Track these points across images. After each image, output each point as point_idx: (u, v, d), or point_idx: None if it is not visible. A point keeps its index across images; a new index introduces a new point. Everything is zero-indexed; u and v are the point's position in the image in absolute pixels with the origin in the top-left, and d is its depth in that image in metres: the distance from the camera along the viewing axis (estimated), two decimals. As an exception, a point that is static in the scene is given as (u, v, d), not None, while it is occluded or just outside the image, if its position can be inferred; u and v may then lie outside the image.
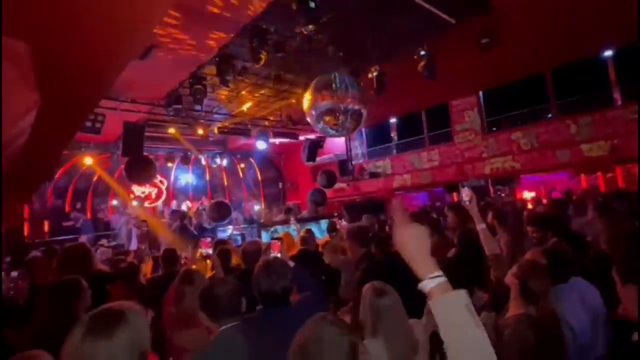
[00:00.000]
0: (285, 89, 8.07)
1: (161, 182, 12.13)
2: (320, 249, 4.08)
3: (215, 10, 4.64)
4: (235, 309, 1.61)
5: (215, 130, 9.31)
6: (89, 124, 6.47)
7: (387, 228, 5.62)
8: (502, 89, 9.23)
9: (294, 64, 6.96)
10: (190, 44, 5.40)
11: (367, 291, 1.94)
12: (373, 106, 7.21)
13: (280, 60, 6.53)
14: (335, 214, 7.91)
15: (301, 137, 10.70)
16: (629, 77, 7.77)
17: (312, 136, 10.43)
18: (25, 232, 8.14)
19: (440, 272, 0.95)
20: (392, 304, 1.90)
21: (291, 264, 2.23)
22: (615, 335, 1.93)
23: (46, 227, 8.69)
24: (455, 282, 2.35)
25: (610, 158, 7.60)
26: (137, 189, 11.57)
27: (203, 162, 12.20)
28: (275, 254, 2.17)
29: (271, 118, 9.87)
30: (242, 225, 7.88)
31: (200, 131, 9.13)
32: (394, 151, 11.93)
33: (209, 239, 2.45)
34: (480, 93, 9.71)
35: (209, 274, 2.94)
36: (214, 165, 12.24)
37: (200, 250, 2.47)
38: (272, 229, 6.14)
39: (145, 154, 7.39)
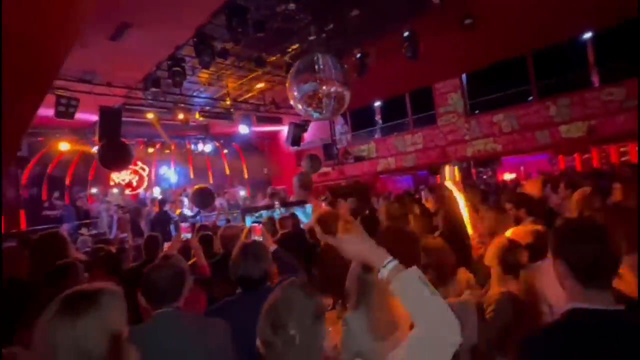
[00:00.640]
0: (268, 70, 7.90)
1: (142, 169, 11.85)
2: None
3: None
4: (173, 294, 1.56)
5: (197, 115, 9.08)
6: (61, 108, 6.19)
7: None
8: (485, 72, 9.28)
9: (276, 44, 6.79)
10: (166, 22, 5.17)
11: (355, 265, 1.96)
12: (357, 89, 7.15)
13: (261, 41, 6.35)
14: (322, 197, 7.91)
15: (285, 122, 10.58)
16: (607, 60, 7.92)
17: (296, 120, 10.31)
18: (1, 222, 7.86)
19: (390, 257, 1.04)
20: (378, 279, 1.92)
21: (272, 247, 2.21)
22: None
23: (22, 218, 8.39)
24: (435, 260, 2.38)
25: (588, 139, 7.80)
26: (117, 177, 11.27)
27: (185, 147, 11.94)
28: (257, 237, 2.14)
29: (254, 102, 9.69)
30: (226, 211, 7.79)
31: (180, 116, 8.87)
32: (379, 134, 11.94)
33: (187, 224, 2.40)
34: (464, 76, 9.74)
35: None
36: (197, 151, 12.01)
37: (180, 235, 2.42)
38: (256, 214, 6.10)
39: (122, 140, 7.13)
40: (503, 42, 7.64)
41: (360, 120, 12.34)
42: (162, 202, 6.43)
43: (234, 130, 10.67)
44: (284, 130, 11.31)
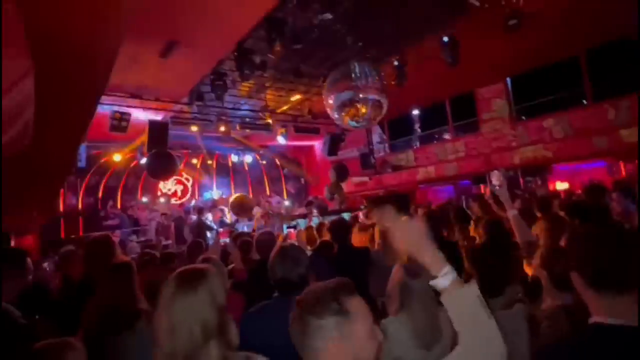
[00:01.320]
0: (305, 82, 8.02)
1: (186, 179, 12.44)
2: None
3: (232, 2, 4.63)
4: None
5: (238, 127, 9.40)
6: (115, 122, 6.68)
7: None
8: (532, 75, 8.78)
9: (313, 56, 6.89)
10: (210, 39, 5.43)
11: (398, 270, 1.89)
12: (394, 96, 7.04)
13: (299, 53, 6.48)
14: (362, 207, 7.79)
15: (322, 133, 10.64)
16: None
17: (333, 130, 10.34)
18: (62, 227, 8.56)
19: (449, 267, 0.97)
20: (423, 287, 1.83)
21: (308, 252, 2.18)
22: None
23: (80, 225, 9.08)
24: (482, 272, 2.23)
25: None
26: (164, 187, 11.92)
27: (227, 158, 12.40)
28: (293, 241, 2.13)
29: (291, 113, 9.86)
30: (263, 220, 7.93)
31: (222, 128, 9.23)
32: (417, 143, 11.65)
33: (226, 229, 2.44)
34: (508, 79, 9.28)
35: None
36: (237, 162, 12.43)
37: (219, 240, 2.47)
38: (293, 223, 6.13)
39: (168, 151, 7.55)
40: (552, 42, 7.19)
41: (398, 128, 12.14)
42: (201, 211, 6.68)
43: (272, 141, 10.91)
44: (321, 140, 11.39)
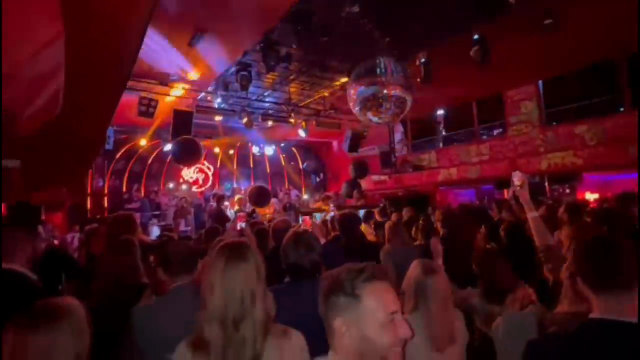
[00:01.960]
0: (330, 76, 7.99)
1: (208, 168, 12.69)
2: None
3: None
4: (187, 267, 1.77)
5: (260, 119, 9.50)
6: (143, 108, 6.88)
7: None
8: (566, 78, 8.42)
9: (339, 50, 6.84)
10: (237, 29, 5.49)
11: (415, 266, 1.85)
12: (419, 96, 6.90)
13: (325, 46, 6.46)
14: (381, 204, 7.72)
15: (344, 129, 10.60)
16: None
17: (355, 127, 10.28)
18: (89, 207, 8.93)
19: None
20: (439, 285, 1.80)
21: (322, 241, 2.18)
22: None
23: (106, 205, 9.43)
24: (498, 274, 2.18)
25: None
26: (186, 174, 12.21)
27: (248, 150, 12.56)
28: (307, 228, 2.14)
29: (314, 107, 9.86)
30: (280, 212, 8.00)
31: (244, 119, 9.34)
32: (441, 144, 11.42)
33: (245, 213, 2.48)
34: (540, 82, 8.94)
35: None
36: (258, 153, 12.55)
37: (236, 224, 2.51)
38: (310, 216, 6.13)
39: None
40: (590, 44, 6.87)
41: (421, 128, 11.92)
42: (220, 198, 6.83)
43: (294, 134, 10.96)
44: (341, 138, 11.34)
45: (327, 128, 10.35)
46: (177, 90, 7.31)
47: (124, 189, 10.56)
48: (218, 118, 9.45)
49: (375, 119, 5.93)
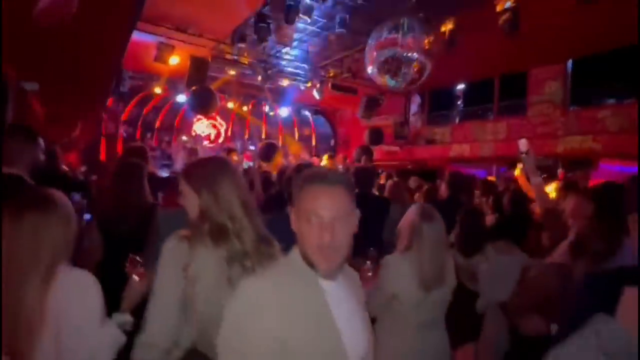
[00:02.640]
0: (350, 37, 7.73)
1: (220, 124, 12.71)
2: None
3: None
4: None
5: (275, 76, 9.35)
6: (159, 53, 6.83)
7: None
8: (599, 59, 7.99)
9: (362, 9, 6.58)
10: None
11: (413, 210, 1.92)
12: (441, 67, 6.65)
13: (348, 4, 6.23)
14: (380, 171, 7.72)
15: (360, 94, 10.39)
16: None
17: (372, 93, 10.07)
18: (102, 149, 9.13)
19: None
20: (434, 230, 1.87)
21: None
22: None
23: (119, 149, 9.61)
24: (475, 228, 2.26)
25: None
26: (198, 128, 12.27)
27: (261, 108, 12.49)
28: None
29: (331, 69, 9.63)
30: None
31: (259, 77, 9.20)
32: (457, 119, 11.17)
33: (251, 152, 2.52)
34: (569, 62, 8.54)
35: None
36: (271, 113, 12.49)
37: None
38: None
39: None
40: (625, 24, 6.45)
41: (439, 101, 11.63)
42: (230, 151, 6.92)
43: (308, 96, 10.81)
44: (355, 103, 11.15)
45: (342, 92, 10.16)
46: (194, 38, 7.19)
47: (138, 136, 10.70)
48: (232, 72, 9.33)
49: (392, 83, 5.79)
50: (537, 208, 2.42)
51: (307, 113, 13.36)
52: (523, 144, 2.38)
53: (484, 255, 2.24)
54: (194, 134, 12.17)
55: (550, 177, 5.54)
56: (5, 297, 1.14)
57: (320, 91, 9.61)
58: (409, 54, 5.36)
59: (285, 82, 9.91)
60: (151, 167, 3.00)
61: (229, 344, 0.94)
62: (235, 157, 6.12)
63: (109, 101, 8.48)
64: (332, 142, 13.78)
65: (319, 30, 7.55)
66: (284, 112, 12.34)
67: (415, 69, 5.56)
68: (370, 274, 1.78)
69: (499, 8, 5.57)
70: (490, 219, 3.15)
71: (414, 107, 11.87)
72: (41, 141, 2.12)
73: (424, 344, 1.89)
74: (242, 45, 7.21)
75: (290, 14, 5.79)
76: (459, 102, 11.22)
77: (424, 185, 5.30)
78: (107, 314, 1.40)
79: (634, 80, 7.78)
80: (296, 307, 0.96)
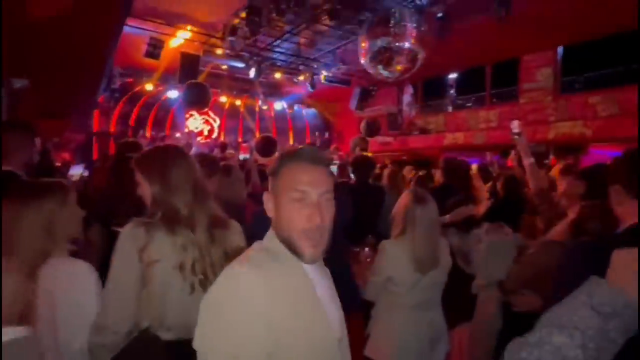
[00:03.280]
0: (341, 28, 7.69)
1: (213, 119, 12.63)
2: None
3: None
4: None
5: (267, 70, 9.29)
6: (150, 49, 6.75)
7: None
8: (589, 45, 8.06)
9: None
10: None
11: (407, 195, 1.96)
12: (433, 56, 6.66)
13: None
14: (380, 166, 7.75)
15: (353, 86, 10.37)
16: None
17: (364, 84, 10.06)
18: (95, 147, 9.05)
19: None
20: (427, 213, 1.91)
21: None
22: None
23: (111, 147, 9.53)
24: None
25: None
26: (191, 124, 12.19)
27: (254, 103, 12.42)
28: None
29: (323, 61, 9.59)
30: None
31: (252, 70, 9.13)
32: (450, 108, 11.23)
33: (247, 145, 2.54)
34: (560, 48, 8.59)
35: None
36: (264, 108, 12.43)
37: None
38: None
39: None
40: (616, 9, 6.51)
41: (431, 90, 11.67)
42: (225, 147, 6.93)
43: (301, 89, 10.77)
44: (349, 94, 11.14)
45: (335, 84, 10.15)
46: (185, 33, 7.12)
47: (130, 133, 10.60)
48: (224, 67, 9.26)
49: (385, 73, 5.80)
50: (530, 189, 2.48)
51: (300, 106, 13.32)
52: (515, 126, 2.44)
53: (479, 237, 2.29)
54: (186, 130, 12.10)
55: (543, 164, 5.62)
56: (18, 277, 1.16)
57: (313, 84, 9.59)
58: (401, 44, 5.36)
59: (277, 75, 9.86)
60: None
61: (214, 339, 0.84)
62: (231, 152, 6.16)
63: (100, 98, 8.40)
64: (327, 134, 13.79)
65: (310, 21, 7.49)
66: (277, 105, 12.31)
67: (407, 59, 5.57)
68: (368, 259, 1.82)
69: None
70: (486, 204, 3.22)
71: (406, 97, 11.89)
72: (37, 140, 2.11)
73: (420, 324, 1.95)
74: (232, 38, 7.16)
75: (280, 5, 5.75)
76: (451, 91, 11.26)
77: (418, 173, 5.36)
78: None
79: (624, 66, 7.88)
80: (287, 297, 0.89)
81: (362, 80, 9.79)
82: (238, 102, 12.16)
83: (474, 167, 4.49)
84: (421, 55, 5.72)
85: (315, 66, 9.63)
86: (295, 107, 13.24)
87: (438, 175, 3.43)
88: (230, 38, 7.16)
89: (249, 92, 11.80)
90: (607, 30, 7.39)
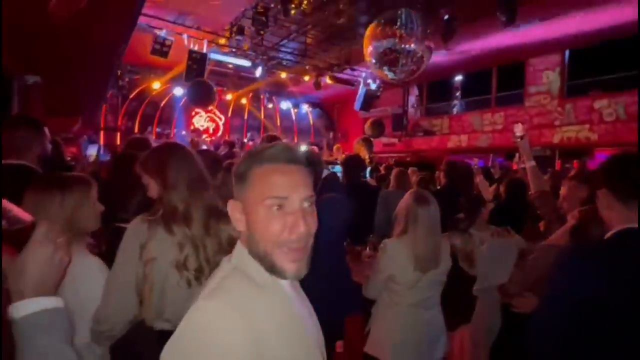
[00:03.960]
0: (348, 28, 7.71)
1: (219, 117, 12.70)
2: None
3: None
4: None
5: (274, 69, 9.34)
6: (157, 46, 6.82)
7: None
8: (596, 49, 8.01)
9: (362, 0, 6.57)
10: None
11: (409, 195, 2.00)
12: (439, 58, 6.69)
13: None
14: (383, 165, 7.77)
15: (358, 86, 10.39)
16: None
17: (370, 85, 10.07)
18: (102, 141, 9.15)
19: None
20: (429, 214, 1.94)
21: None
22: None
23: (118, 142, 9.64)
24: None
25: None
26: (197, 122, 12.27)
27: (259, 102, 12.48)
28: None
29: (329, 61, 9.62)
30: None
31: (258, 69, 9.16)
32: (455, 110, 11.22)
33: (252, 142, 2.58)
34: (567, 52, 8.56)
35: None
36: (269, 106, 12.48)
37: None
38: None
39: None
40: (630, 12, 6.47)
41: (436, 92, 11.65)
42: (232, 145, 6.96)
43: (307, 89, 10.81)
44: (355, 94, 11.16)
45: (341, 84, 10.17)
46: (192, 31, 7.19)
47: (137, 130, 10.71)
48: (230, 65, 9.31)
49: (391, 75, 5.81)
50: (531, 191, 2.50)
51: (305, 106, 13.36)
52: (519, 129, 2.45)
53: (482, 239, 2.31)
54: (192, 127, 12.19)
55: (547, 170, 5.62)
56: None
57: (319, 84, 9.62)
58: (408, 46, 5.38)
59: (283, 75, 9.90)
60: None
61: None
62: (236, 150, 6.22)
63: (108, 94, 8.49)
64: (331, 134, 13.82)
65: (316, 21, 7.53)
66: (283, 105, 12.35)
67: (413, 61, 5.58)
68: (369, 258, 1.86)
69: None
70: (490, 206, 3.24)
71: (412, 99, 11.89)
72: (47, 131, 2.14)
73: (419, 322, 1.98)
74: (239, 37, 7.21)
75: (287, 5, 5.78)
76: (457, 94, 11.25)
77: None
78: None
79: (631, 70, 7.82)
80: (269, 327, 0.74)
81: (367, 81, 9.81)
82: (244, 101, 12.21)
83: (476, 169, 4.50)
84: (427, 58, 5.73)
85: (321, 66, 9.66)
86: (301, 106, 13.29)
87: (441, 177, 3.46)
88: (237, 37, 7.22)
89: (254, 90, 11.85)
90: (618, 35, 7.35)
